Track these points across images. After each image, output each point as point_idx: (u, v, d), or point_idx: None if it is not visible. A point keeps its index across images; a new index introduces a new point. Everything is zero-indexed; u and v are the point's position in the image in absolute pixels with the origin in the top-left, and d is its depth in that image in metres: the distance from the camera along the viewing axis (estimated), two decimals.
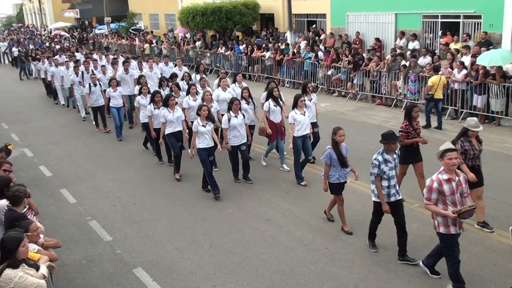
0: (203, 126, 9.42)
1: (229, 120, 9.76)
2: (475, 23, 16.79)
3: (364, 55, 17.95)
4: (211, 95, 10.90)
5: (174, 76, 13.84)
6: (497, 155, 11.19)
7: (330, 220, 8.26)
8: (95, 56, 20.61)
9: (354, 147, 10.19)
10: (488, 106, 13.59)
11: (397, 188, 7.00)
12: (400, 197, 7.03)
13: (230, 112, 9.87)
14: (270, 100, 10.68)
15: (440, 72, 13.89)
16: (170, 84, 12.77)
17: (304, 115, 9.71)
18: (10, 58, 35.36)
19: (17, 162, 12.46)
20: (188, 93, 11.65)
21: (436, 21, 18.13)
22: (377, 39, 19.49)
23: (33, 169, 12.03)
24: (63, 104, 19.36)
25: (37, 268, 5.10)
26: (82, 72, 16.56)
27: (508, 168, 10.39)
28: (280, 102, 10.80)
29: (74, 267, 7.38)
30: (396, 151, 7.02)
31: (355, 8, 20.99)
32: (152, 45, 30.25)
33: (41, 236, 5.91)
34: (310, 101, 10.63)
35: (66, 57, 20.89)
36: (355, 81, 17.29)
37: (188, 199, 9.73)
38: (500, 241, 7.39)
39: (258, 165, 11.18)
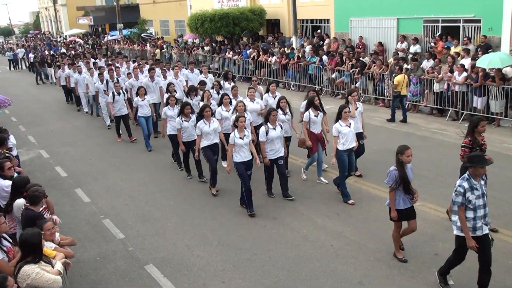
0: (240, 138, 8.80)
1: (267, 132, 9.05)
2: (474, 27, 17.04)
3: (367, 58, 18.25)
4: (244, 105, 10.18)
5: (202, 83, 13.18)
6: (497, 155, 11.29)
7: (401, 249, 7.24)
8: (117, 63, 19.93)
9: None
10: (488, 108, 13.82)
11: (487, 219, 6.00)
12: (487, 231, 5.99)
13: (268, 124, 9.14)
14: (310, 110, 9.95)
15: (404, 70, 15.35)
16: (198, 93, 12.31)
17: (349, 126, 8.93)
18: (27, 64, 35.98)
19: (34, 163, 12.99)
20: (220, 103, 10.92)
21: (437, 26, 18.40)
22: (380, 43, 19.82)
23: (49, 170, 12.37)
24: (86, 112, 18.87)
25: (53, 264, 5.27)
26: (107, 80, 15.98)
27: (507, 167, 10.54)
28: (321, 111, 10.04)
29: (88, 264, 7.60)
30: (483, 177, 6.03)
31: (358, 13, 21.31)
32: (163, 50, 30.73)
33: (57, 234, 6.08)
34: (356, 110, 9.81)
35: (83, 64, 20.33)
36: (357, 84, 17.62)
37: (198, 198, 9.95)
38: (501, 239, 7.38)
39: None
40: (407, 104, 15.38)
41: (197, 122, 9.98)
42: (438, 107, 15.12)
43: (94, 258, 7.79)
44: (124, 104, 14.04)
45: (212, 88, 12.78)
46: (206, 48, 27.52)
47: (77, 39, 45.09)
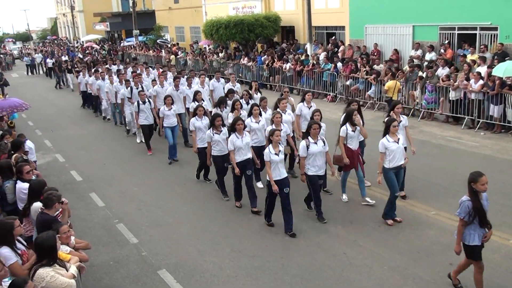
0: (276, 154, 8.13)
1: (307, 146, 8.39)
2: (491, 35, 16.88)
3: (381, 65, 18.24)
4: (281, 116, 9.52)
5: (230, 92, 12.43)
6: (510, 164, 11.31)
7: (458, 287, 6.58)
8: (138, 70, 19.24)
9: (372, 155, 10.28)
10: (505, 116, 13.64)
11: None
12: None
13: (309, 138, 8.48)
14: (347, 124, 9.18)
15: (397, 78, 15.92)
16: (227, 104, 11.57)
17: (397, 142, 8.20)
18: (44, 69, 36.49)
19: (50, 167, 13.17)
20: (250, 114, 10.31)
21: (453, 33, 18.28)
22: (395, 50, 19.76)
23: (64, 174, 12.54)
24: (108, 119, 18.37)
25: (67, 268, 5.32)
26: (131, 88, 15.08)
27: None
28: (358, 126, 9.31)
29: (102, 268, 7.67)
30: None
31: (374, 20, 21.24)
32: (178, 56, 30.97)
33: (72, 238, 6.14)
34: (399, 123, 8.93)
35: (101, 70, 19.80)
36: (370, 92, 17.58)
37: (211, 204, 9.98)
38: None
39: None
40: (422, 112, 15.25)
41: (229, 136, 9.33)
42: (454, 115, 14.98)
43: (108, 262, 7.85)
44: (151, 113, 13.48)
45: (241, 98, 11.90)
46: (220, 55, 27.67)
47: (94, 45, 45.67)
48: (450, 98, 14.93)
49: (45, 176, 9.88)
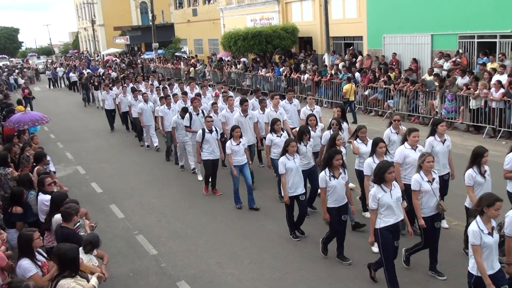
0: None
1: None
2: (511, 43, 16.67)
3: (393, 74, 18.35)
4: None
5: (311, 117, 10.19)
6: None
7: None
8: (186, 88, 16.70)
9: None
10: None
11: None
12: None
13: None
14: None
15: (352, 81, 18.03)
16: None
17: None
18: (66, 83, 37.08)
19: (71, 179, 13.34)
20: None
21: (472, 41, 18.10)
22: (414, 60, 19.64)
23: (85, 186, 12.69)
24: (147, 146, 16.00)
25: (88, 279, 5.37)
26: (190, 114, 12.18)
27: None
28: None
29: (121, 279, 7.71)
30: None
31: (392, 30, 21.16)
32: (196, 69, 31.27)
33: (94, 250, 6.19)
34: (443, 143, 8.18)
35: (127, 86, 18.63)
36: (390, 102, 17.54)
37: (229, 215, 9.98)
38: None
39: None
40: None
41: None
42: (475, 124, 14.79)
43: (127, 274, 7.90)
44: (217, 144, 10.85)
45: (329, 128, 9.67)
46: (239, 66, 27.87)
47: (114, 58, 46.40)
48: (471, 107, 14.76)
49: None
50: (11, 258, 6.48)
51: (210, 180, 11.16)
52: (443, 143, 8.18)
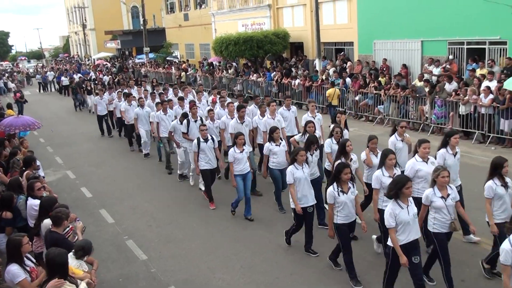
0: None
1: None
2: (500, 49, 16.87)
3: (383, 80, 18.44)
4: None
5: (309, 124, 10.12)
6: None
7: None
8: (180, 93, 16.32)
9: None
10: None
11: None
12: None
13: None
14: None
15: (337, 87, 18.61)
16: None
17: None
18: (57, 87, 36.91)
19: (61, 183, 13.26)
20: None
21: (461, 48, 18.27)
22: (404, 66, 19.79)
23: (75, 191, 12.61)
24: (147, 154, 15.33)
25: (77, 285, 5.33)
26: (188, 121, 11.84)
27: None
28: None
29: (111, 285, 7.68)
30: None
31: (382, 36, 21.30)
32: (188, 73, 31.24)
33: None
34: (455, 156, 7.95)
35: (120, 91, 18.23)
36: (380, 107, 17.63)
37: (220, 220, 9.95)
38: None
39: None
40: (432, 127, 15.33)
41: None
42: (464, 129, 14.92)
43: (117, 279, 7.85)
44: (213, 153, 10.51)
45: (330, 136, 9.43)
46: (230, 71, 27.90)
47: (105, 62, 46.27)
48: (460, 113, 14.89)
49: (55, 192, 9.94)
50: None
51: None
52: (455, 155, 7.92)
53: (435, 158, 7.84)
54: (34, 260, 6.08)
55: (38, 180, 8.02)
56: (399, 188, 6.03)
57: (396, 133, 8.89)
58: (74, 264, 5.80)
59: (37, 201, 7.30)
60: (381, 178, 7.24)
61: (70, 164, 15.27)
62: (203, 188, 11.31)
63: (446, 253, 6.53)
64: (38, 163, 10.14)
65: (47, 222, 6.63)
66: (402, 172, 7.48)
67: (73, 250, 5.97)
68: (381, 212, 7.15)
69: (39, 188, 7.67)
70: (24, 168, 9.33)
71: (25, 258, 5.75)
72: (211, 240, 9.06)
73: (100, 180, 13.47)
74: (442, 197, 6.44)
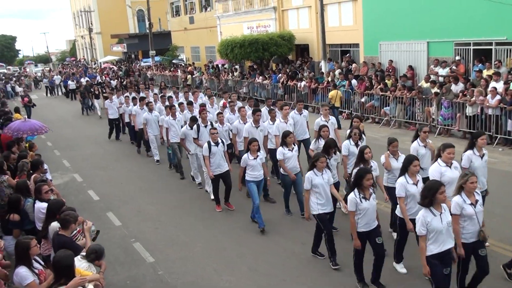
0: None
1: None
2: (507, 50, 16.80)
3: (389, 82, 18.38)
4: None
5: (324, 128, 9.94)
6: None
7: None
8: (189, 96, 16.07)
9: None
10: None
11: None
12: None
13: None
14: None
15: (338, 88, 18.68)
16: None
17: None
18: (63, 90, 37.08)
19: (68, 186, 13.33)
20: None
21: (468, 49, 18.21)
22: (410, 67, 19.75)
23: (82, 193, 12.67)
24: (157, 161, 14.95)
25: (85, 287, 5.31)
26: (198, 126, 11.59)
27: None
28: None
29: (118, 287, 7.70)
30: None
31: (388, 37, 21.29)
32: (194, 76, 31.32)
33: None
34: (482, 157, 7.60)
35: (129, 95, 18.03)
36: (386, 109, 17.59)
37: (226, 222, 9.97)
38: None
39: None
40: (438, 128, 15.30)
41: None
42: (471, 131, 14.84)
43: (124, 282, 7.88)
44: (223, 157, 10.37)
45: (348, 138, 9.34)
46: (236, 73, 27.95)
47: (111, 66, 46.48)
48: (467, 114, 14.84)
49: (63, 196, 9.99)
50: (7, 267, 6.46)
51: (218, 194, 10.68)
52: (482, 157, 7.54)
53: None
54: (42, 263, 6.11)
55: (46, 183, 8.05)
56: (432, 195, 5.74)
57: (418, 139, 8.53)
58: (83, 266, 5.82)
59: (45, 204, 7.32)
60: (406, 186, 6.97)
61: (77, 167, 15.34)
62: (209, 190, 11.30)
63: (467, 261, 6.31)
64: (45, 166, 10.18)
65: (55, 225, 6.65)
66: (423, 178, 7.26)
67: (81, 253, 5.98)
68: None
69: (47, 191, 7.68)
70: (31, 171, 9.37)
71: (33, 261, 5.78)
72: (216, 243, 9.07)
73: (106, 183, 13.53)
74: (471, 204, 6.12)
